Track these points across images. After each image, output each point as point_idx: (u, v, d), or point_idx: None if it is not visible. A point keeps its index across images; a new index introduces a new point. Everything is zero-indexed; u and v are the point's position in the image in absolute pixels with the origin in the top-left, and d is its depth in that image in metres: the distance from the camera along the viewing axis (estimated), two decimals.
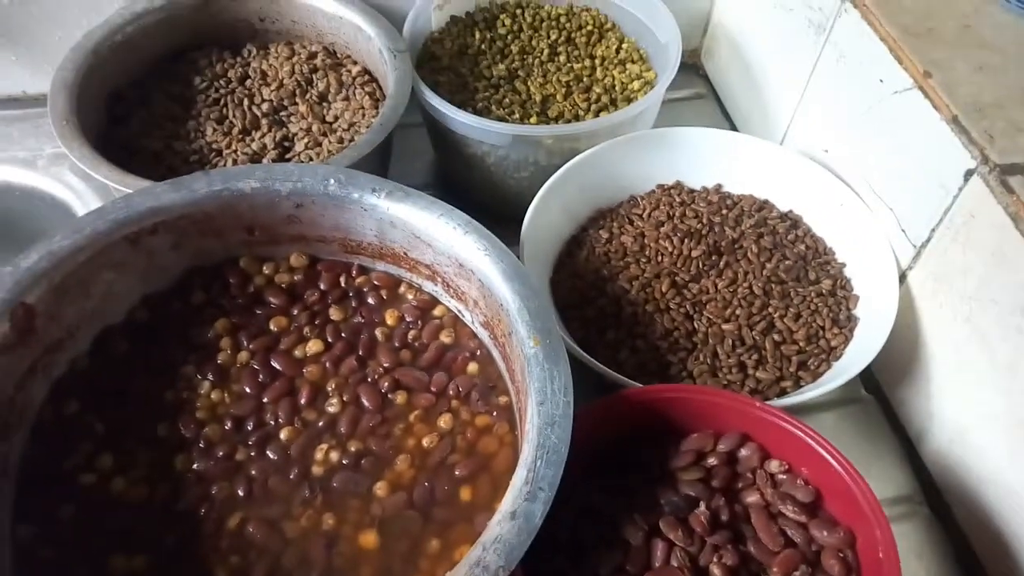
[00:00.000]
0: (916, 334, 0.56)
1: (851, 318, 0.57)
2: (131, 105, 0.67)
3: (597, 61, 0.74)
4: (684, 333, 0.56)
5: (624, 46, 0.75)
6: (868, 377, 0.62)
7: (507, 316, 0.49)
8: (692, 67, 0.88)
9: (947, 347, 0.54)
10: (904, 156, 0.56)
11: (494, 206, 0.70)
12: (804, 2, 0.66)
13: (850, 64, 0.61)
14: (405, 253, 0.56)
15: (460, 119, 0.62)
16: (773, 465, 0.46)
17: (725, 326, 0.56)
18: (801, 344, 0.55)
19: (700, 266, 0.59)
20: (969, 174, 0.50)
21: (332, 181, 0.54)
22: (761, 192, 0.66)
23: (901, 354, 0.57)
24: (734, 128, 0.82)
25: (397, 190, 0.54)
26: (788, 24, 0.69)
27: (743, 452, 0.47)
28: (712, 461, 0.47)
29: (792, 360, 0.54)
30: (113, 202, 0.52)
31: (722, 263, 0.59)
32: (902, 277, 0.57)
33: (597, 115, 0.69)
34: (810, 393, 0.52)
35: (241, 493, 0.47)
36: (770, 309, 0.57)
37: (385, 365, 0.53)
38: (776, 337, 0.55)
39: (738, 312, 0.56)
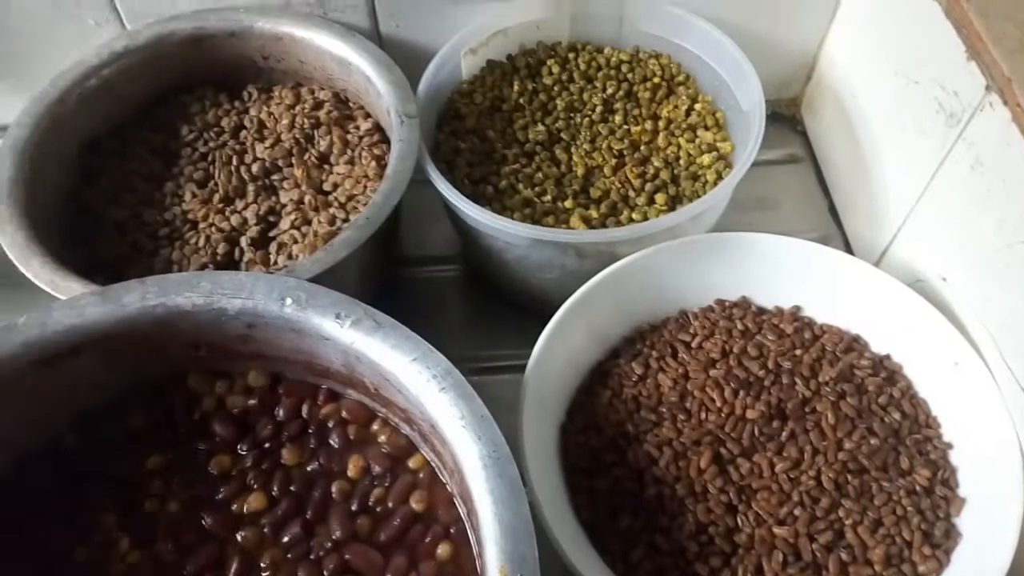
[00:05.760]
0: None
1: (950, 533, 0.43)
2: (106, 158, 0.58)
3: (661, 124, 0.60)
4: (722, 531, 0.43)
5: (697, 107, 0.61)
6: None
7: (476, 519, 0.38)
8: (789, 120, 0.72)
9: None
10: None
11: (521, 299, 0.59)
12: (935, 77, 0.50)
13: (988, 176, 0.45)
14: (376, 390, 0.45)
15: (467, 210, 0.50)
16: None
17: (777, 530, 0.42)
18: (877, 568, 0.41)
19: (755, 433, 0.45)
20: None
21: (289, 300, 0.44)
22: (851, 324, 0.51)
23: None
24: (832, 207, 0.66)
25: (366, 318, 0.43)
26: (912, 98, 0.53)
27: None
28: None
29: None
30: (28, 318, 0.43)
31: (784, 433, 0.45)
32: None
33: (652, 196, 0.56)
34: None
35: None
36: (841, 512, 0.43)
37: (336, 536, 0.43)
38: (843, 555, 0.42)
39: (797, 512, 0.43)
